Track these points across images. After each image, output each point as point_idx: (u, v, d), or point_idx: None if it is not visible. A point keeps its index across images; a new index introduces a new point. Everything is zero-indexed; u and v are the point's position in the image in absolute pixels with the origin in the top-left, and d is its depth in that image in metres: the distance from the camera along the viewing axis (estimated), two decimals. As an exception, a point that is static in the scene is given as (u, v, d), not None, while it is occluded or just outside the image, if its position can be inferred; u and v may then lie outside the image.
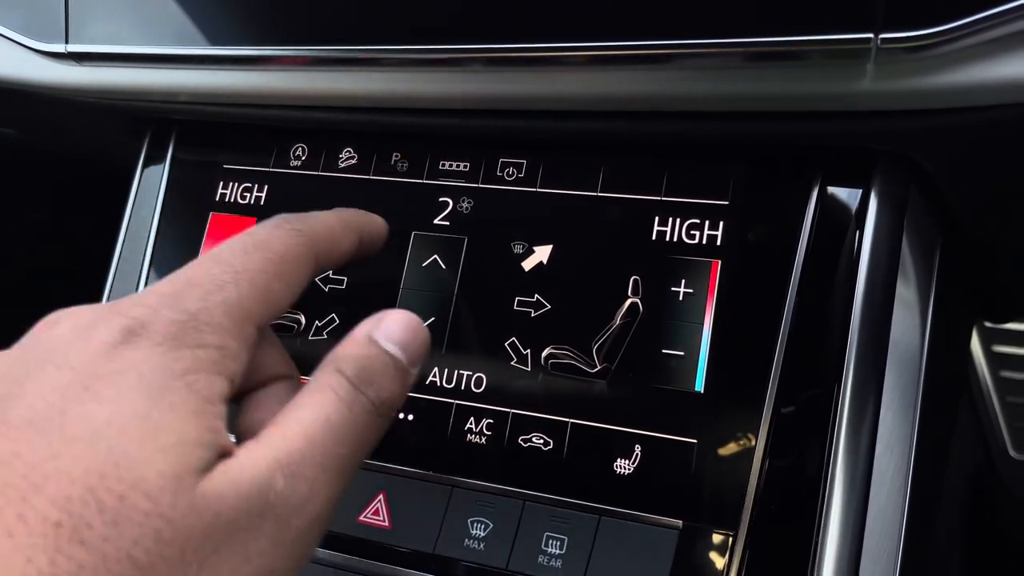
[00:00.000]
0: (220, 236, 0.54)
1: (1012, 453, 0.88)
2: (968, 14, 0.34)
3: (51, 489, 0.24)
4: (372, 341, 0.33)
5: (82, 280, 0.64)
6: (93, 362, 0.27)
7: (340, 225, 0.38)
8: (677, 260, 0.44)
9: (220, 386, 0.29)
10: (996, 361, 0.86)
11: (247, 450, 0.28)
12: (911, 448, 0.41)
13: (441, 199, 0.49)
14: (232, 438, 0.29)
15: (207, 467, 0.27)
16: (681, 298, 0.44)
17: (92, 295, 0.56)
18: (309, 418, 0.30)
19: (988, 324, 0.85)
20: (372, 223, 0.41)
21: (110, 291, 0.56)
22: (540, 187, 0.48)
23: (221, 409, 0.29)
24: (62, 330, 0.29)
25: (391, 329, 0.34)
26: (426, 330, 0.35)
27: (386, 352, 0.33)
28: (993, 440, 0.89)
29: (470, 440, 0.46)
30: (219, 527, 0.26)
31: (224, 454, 0.28)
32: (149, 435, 0.26)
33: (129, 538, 0.24)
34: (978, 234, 0.46)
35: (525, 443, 0.45)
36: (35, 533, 0.23)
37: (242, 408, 0.33)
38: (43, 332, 0.30)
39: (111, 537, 0.24)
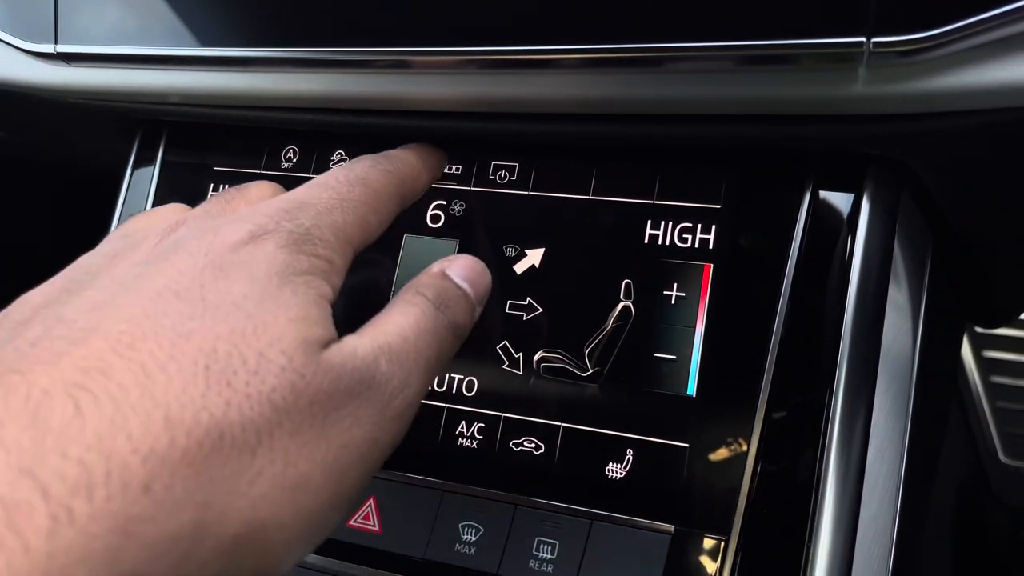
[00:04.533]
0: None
1: (1002, 458, 0.88)
2: (960, 18, 0.34)
3: (197, 341, 0.28)
4: (446, 276, 0.38)
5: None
6: (223, 254, 0.31)
7: (419, 163, 0.43)
8: (669, 264, 0.44)
9: (327, 292, 0.33)
10: (986, 366, 0.86)
11: (353, 338, 0.32)
12: (903, 452, 0.41)
13: (433, 201, 0.49)
14: None
15: (326, 344, 0.31)
16: (673, 302, 0.44)
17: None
18: (402, 322, 0.34)
19: (979, 329, 0.85)
20: (440, 158, 0.46)
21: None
22: (532, 190, 0.47)
23: (329, 309, 0.32)
24: (187, 230, 0.33)
25: (461, 269, 0.39)
26: (489, 275, 0.40)
27: (457, 286, 0.38)
28: (983, 445, 0.89)
29: (461, 444, 0.45)
30: (339, 390, 0.30)
31: (333, 341, 0.31)
32: (281, 309, 0.30)
33: (269, 385, 0.28)
34: (969, 239, 0.46)
35: (516, 447, 0.44)
36: (186, 371, 0.27)
37: None
38: (169, 233, 0.34)
39: (253, 383, 0.28)
